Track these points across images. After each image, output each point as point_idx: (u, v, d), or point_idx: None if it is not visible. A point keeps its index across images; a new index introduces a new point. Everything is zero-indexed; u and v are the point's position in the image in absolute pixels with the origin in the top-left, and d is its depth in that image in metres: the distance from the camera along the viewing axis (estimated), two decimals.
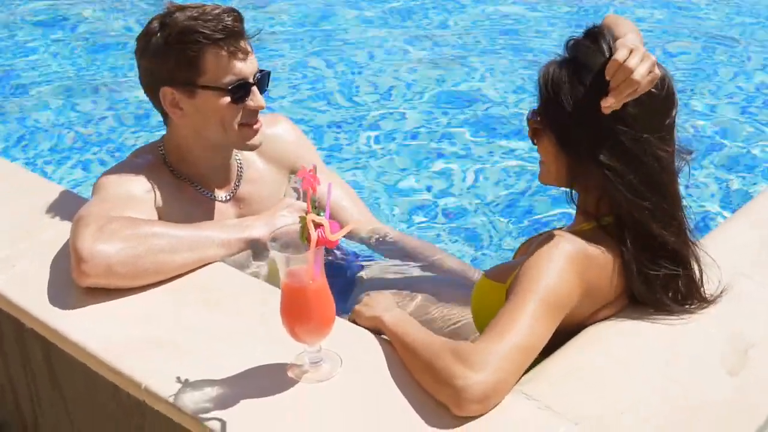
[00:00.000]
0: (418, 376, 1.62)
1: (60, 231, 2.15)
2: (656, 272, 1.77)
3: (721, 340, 1.76)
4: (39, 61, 5.55)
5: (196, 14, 2.11)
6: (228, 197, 2.36)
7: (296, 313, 1.59)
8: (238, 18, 2.14)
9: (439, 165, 4.16)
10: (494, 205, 3.79)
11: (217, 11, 2.11)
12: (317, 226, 1.50)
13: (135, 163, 2.30)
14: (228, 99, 2.14)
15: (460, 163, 4.16)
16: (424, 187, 3.97)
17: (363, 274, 2.60)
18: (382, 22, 6.09)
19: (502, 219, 3.68)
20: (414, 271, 2.53)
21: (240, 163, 2.39)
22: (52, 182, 2.56)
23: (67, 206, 2.26)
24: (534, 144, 1.85)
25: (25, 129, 4.63)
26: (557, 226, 2.11)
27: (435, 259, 2.57)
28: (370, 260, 2.63)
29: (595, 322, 1.80)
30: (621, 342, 1.75)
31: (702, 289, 1.83)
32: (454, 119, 4.60)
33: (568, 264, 1.67)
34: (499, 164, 4.10)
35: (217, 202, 2.33)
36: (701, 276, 1.84)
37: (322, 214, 1.53)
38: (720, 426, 1.57)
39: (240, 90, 2.14)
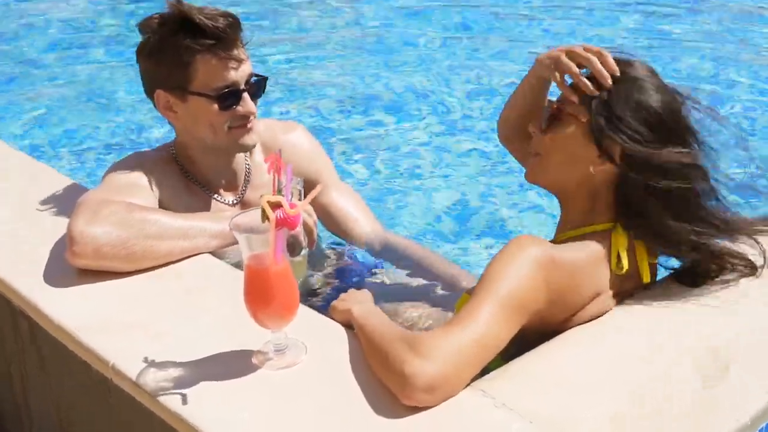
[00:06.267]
0: (372, 363, 1.60)
1: (66, 217, 2.19)
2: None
3: (700, 350, 1.69)
4: None
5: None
6: (235, 201, 2.37)
7: (257, 296, 1.59)
8: (234, 24, 2.13)
9: None
10: None
11: (214, 14, 2.12)
12: (276, 207, 1.51)
13: (146, 156, 2.35)
14: (216, 106, 2.15)
15: None
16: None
17: (369, 282, 2.58)
18: None
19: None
20: (417, 280, 2.51)
21: (249, 168, 2.40)
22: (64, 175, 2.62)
23: (75, 196, 2.31)
24: (542, 131, 1.82)
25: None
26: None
27: (441, 269, 2.54)
28: (378, 269, 2.62)
29: (577, 325, 1.75)
30: (596, 347, 1.70)
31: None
32: None
33: (533, 267, 1.63)
34: None
35: (223, 205, 2.34)
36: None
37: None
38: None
39: (230, 97, 2.16)
